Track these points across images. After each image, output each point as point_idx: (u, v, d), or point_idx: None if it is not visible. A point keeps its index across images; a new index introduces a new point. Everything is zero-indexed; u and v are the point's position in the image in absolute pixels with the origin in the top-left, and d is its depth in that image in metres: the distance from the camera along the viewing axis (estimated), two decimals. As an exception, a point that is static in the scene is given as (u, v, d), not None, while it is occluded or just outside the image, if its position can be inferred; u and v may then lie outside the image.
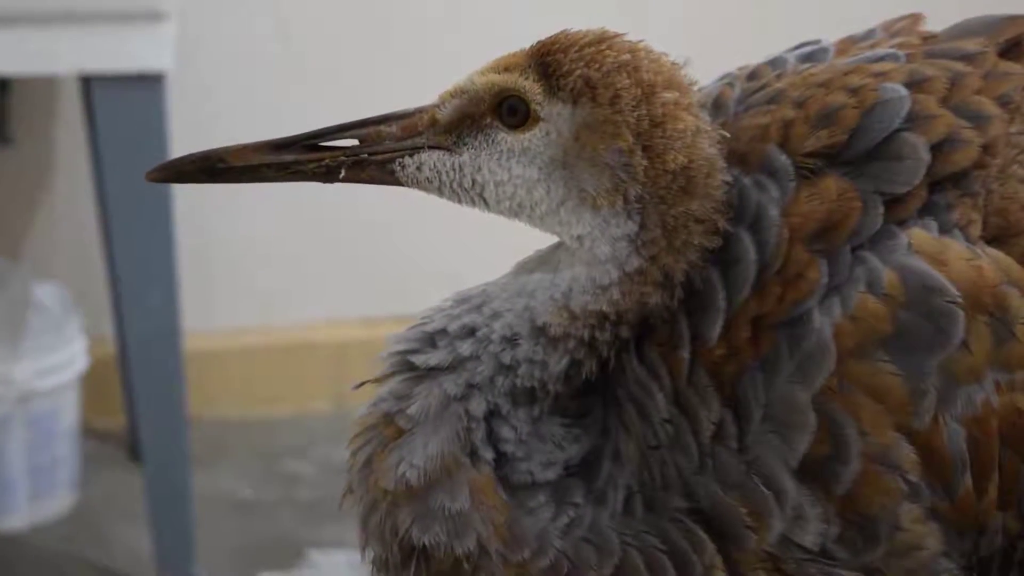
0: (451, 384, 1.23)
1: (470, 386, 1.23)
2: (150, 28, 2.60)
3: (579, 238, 1.22)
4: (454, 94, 1.24)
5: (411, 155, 1.24)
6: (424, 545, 1.22)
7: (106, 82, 2.64)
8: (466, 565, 1.22)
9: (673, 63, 1.23)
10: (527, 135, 1.22)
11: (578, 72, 1.20)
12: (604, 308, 1.22)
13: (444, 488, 1.22)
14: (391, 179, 1.25)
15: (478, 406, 1.23)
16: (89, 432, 3.45)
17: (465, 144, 1.23)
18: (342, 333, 3.77)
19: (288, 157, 1.25)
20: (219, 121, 3.57)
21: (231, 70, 3.62)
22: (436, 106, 1.25)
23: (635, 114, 1.19)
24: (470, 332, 1.24)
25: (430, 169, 1.24)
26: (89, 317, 3.35)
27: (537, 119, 1.21)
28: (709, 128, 1.22)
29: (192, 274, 3.27)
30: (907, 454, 1.16)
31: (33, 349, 3.13)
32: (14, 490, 3.12)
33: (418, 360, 1.24)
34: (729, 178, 1.22)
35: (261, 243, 3.72)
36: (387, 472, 1.23)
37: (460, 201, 1.26)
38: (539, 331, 1.23)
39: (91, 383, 3.32)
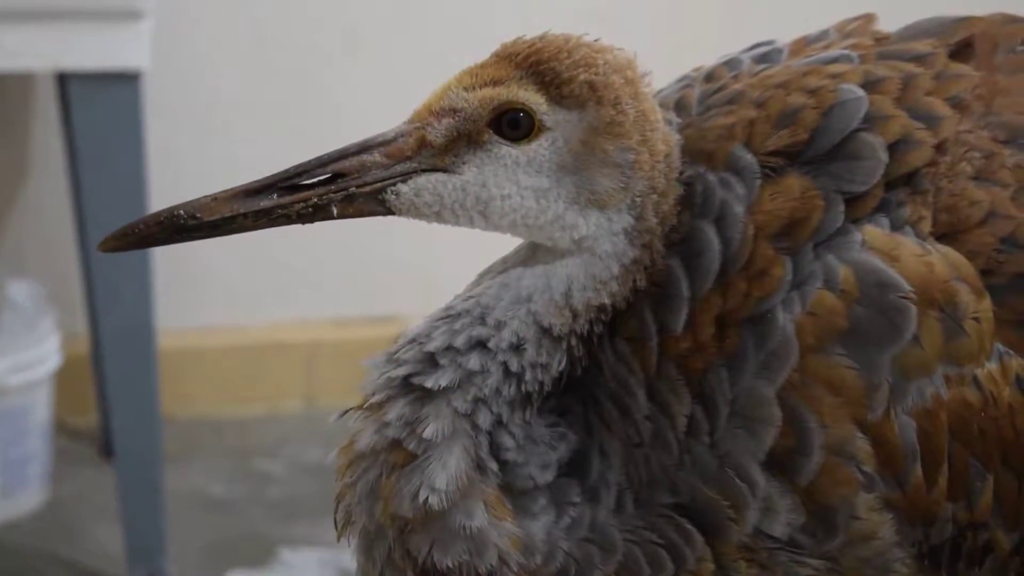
0: (460, 401, 1.22)
1: (477, 400, 1.22)
2: (127, 26, 2.60)
3: (579, 240, 1.22)
4: (441, 113, 1.22)
5: (404, 181, 1.22)
6: (446, 567, 1.21)
7: (83, 79, 2.64)
8: None
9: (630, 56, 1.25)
10: (532, 145, 1.21)
11: (581, 78, 1.20)
12: (605, 300, 1.23)
13: (462, 508, 1.21)
14: (381, 209, 1.22)
15: (485, 419, 1.22)
16: (61, 429, 3.45)
17: (465, 163, 1.21)
18: (313, 333, 3.78)
19: (266, 203, 1.22)
20: (194, 120, 3.58)
21: (206, 69, 3.63)
22: (420, 127, 1.22)
23: (633, 111, 1.21)
24: (477, 344, 1.23)
25: (430, 193, 1.22)
26: (63, 314, 3.35)
27: (543, 129, 1.21)
28: (663, 112, 1.25)
29: (165, 273, 3.27)
30: (862, 446, 1.19)
31: (6, 346, 3.13)
32: (-14, 486, 3.13)
33: (428, 382, 1.22)
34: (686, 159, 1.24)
35: (233, 243, 3.70)
36: (400, 499, 1.21)
37: (457, 221, 1.23)
38: (544, 332, 1.23)
39: (64, 380, 3.32)
